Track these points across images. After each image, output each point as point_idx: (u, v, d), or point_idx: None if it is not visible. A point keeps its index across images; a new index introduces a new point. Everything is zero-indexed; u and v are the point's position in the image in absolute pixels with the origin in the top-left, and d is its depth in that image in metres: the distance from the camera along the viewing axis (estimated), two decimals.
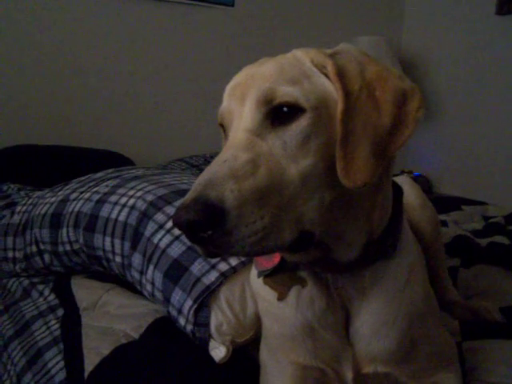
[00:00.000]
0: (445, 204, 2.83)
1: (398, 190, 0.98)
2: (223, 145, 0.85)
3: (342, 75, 0.80)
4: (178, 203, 1.35)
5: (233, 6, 3.35)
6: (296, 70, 0.81)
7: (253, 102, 0.79)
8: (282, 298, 0.94)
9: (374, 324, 0.93)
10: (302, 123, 0.77)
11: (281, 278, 0.93)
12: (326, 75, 0.81)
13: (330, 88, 0.80)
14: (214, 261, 1.20)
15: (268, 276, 0.93)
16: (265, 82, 0.79)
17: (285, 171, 0.74)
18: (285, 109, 0.78)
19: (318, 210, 0.78)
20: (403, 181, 1.39)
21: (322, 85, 0.81)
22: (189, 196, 0.68)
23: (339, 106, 0.78)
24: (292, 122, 0.77)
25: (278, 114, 0.78)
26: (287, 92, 0.77)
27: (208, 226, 0.66)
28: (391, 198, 0.94)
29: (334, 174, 0.78)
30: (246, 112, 0.79)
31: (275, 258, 0.92)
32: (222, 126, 0.88)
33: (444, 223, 2.32)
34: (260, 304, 1.06)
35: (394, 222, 0.94)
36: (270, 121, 0.78)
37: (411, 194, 1.39)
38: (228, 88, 0.87)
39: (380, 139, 0.78)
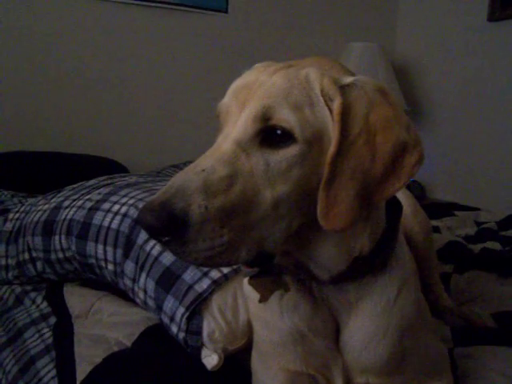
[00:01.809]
0: (438, 210, 2.84)
1: (397, 206, 0.97)
2: (217, 136, 0.83)
3: (345, 115, 0.77)
4: None
5: (226, 12, 3.35)
6: (303, 94, 0.78)
7: (250, 114, 0.77)
8: (263, 300, 0.93)
9: (363, 337, 0.92)
10: (290, 152, 0.75)
11: (265, 280, 0.91)
12: (330, 108, 0.78)
13: (329, 123, 0.78)
14: (206, 268, 1.20)
15: (253, 277, 0.92)
16: (269, 97, 0.76)
17: (259, 193, 0.74)
18: (278, 131, 0.76)
19: (282, 235, 0.77)
20: None
21: (323, 117, 0.78)
22: (157, 198, 0.68)
23: (331, 149, 0.76)
24: (281, 148, 0.75)
25: (270, 134, 0.76)
26: (286, 118, 0.75)
27: (167, 233, 0.67)
28: (384, 218, 0.93)
29: (308, 204, 0.77)
30: (240, 121, 0.77)
31: None
32: (218, 117, 0.86)
33: (437, 229, 2.33)
34: (251, 308, 1.06)
35: (387, 238, 0.92)
36: (260, 139, 0.76)
37: (403, 201, 1.38)
38: (234, 86, 0.84)
39: (368, 186, 0.76)
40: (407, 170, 0.78)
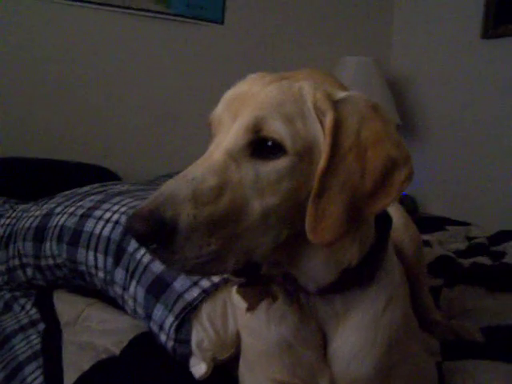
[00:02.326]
0: (429, 224, 2.84)
1: (386, 219, 0.97)
2: (209, 144, 0.83)
3: (336, 130, 0.77)
4: None
5: (222, 23, 3.37)
6: (295, 107, 0.78)
7: (243, 124, 0.77)
8: (251, 309, 0.93)
9: (349, 348, 0.92)
10: (280, 164, 0.75)
11: (253, 289, 0.91)
12: (322, 123, 0.78)
13: (320, 137, 0.78)
14: (196, 277, 1.20)
15: (241, 286, 0.92)
16: (261, 109, 0.77)
17: (248, 204, 0.74)
18: (269, 143, 0.76)
19: (270, 246, 0.78)
20: None
21: (314, 131, 0.78)
22: (147, 205, 0.68)
23: (321, 163, 0.76)
24: (271, 160, 0.76)
25: (261, 145, 0.76)
26: (277, 129, 0.75)
27: (155, 241, 0.68)
28: (373, 231, 0.93)
29: (297, 215, 0.78)
30: (232, 131, 0.78)
31: None
32: (210, 126, 0.87)
33: (428, 243, 2.33)
34: (239, 318, 1.06)
35: (376, 251, 0.92)
36: (251, 150, 0.76)
37: (394, 214, 1.38)
38: (227, 96, 0.84)
39: (357, 201, 0.77)
40: (397, 187, 0.78)
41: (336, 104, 0.79)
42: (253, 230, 0.74)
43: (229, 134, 0.78)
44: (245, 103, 0.79)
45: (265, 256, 0.78)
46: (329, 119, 0.77)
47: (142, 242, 0.69)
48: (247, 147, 0.76)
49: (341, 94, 0.81)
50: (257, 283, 0.91)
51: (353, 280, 0.90)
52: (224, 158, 0.75)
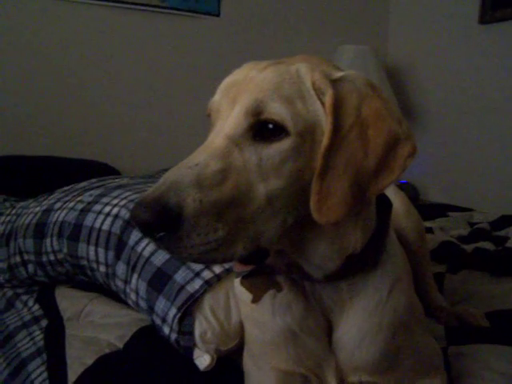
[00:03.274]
0: (431, 211, 2.84)
1: (386, 203, 0.97)
2: (208, 134, 0.82)
3: (337, 107, 0.76)
4: None
5: (219, 16, 3.36)
6: (294, 88, 0.78)
7: (242, 109, 0.76)
8: (256, 300, 0.92)
9: (355, 335, 0.92)
10: (283, 146, 0.75)
11: (257, 280, 0.91)
12: (322, 102, 0.78)
13: (322, 116, 0.78)
14: (197, 268, 1.20)
15: (245, 277, 0.92)
16: (259, 92, 0.76)
17: (252, 188, 0.73)
18: (270, 125, 0.75)
19: (277, 231, 0.77)
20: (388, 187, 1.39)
21: (315, 111, 0.78)
22: (150, 193, 0.67)
23: (324, 141, 0.76)
24: (273, 142, 0.75)
25: (262, 128, 0.76)
26: (277, 111, 0.75)
27: (161, 228, 0.66)
28: (374, 215, 0.92)
29: (302, 199, 0.77)
30: (232, 116, 0.77)
31: None
32: (209, 116, 0.86)
33: (430, 230, 2.33)
34: (242, 308, 1.05)
35: (378, 236, 0.92)
36: (253, 133, 0.76)
37: (396, 201, 1.37)
38: (224, 83, 0.84)
39: (361, 179, 0.76)
40: (400, 163, 0.78)
41: (334, 83, 0.79)
42: (259, 215, 0.73)
43: (229, 119, 0.77)
44: (243, 89, 0.79)
45: (272, 241, 0.77)
46: (329, 97, 0.77)
47: (148, 230, 0.67)
48: (248, 131, 0.76)
49: (338, 74, 0.81)
50: (261, 274, 0.91)
51: (357, 265, 0.90)
52: (226, 143, 0.75)
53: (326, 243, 0.85)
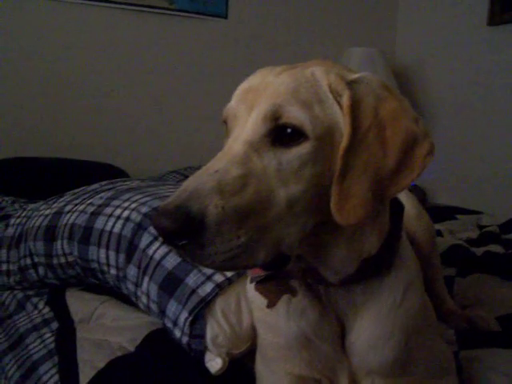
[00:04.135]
0: (439, 214, 2.83)
1: (398, 206, 0.97)
2: (224, 141, 0.84)
3: (355, 109, 0.77)
4: None
5: (226, 18, 3.36)
6: (311, 92, 0.78)
7: (260, 114, 0.77)
8: (271, 305, 0.93)
9: (369, 338, 0.92)
10: (302, 150, 0.75)
11: (272, 285, 0.91)
12: (340, 105, 0.78)
13: (340, 118, 0.78)
14: (209, 272, 1.20)
15: (259, 283, 0.92)
16: (277, 97, 0.77)
17: (273, 193, 0.73)
18: (288, 130, 0.76)
19: (298, 236, 0.77)
20: None
21: (333, 113, 0.78)
22: (172, 201, 0.67)
23: (343, 142, 0.76)
24: (292, 147, 0.75)
25: (280, 133, 0.76)
26: (296, 114, 0.75)
27: (184, 236, 0.66)
28: (388, 219, 0.92)
29: (322, 203, 0.77)
30: (250, 122, 0.77)
31: None
32: (225, 122, 0.87)
33: (439, 233, 2.33)
34: (255, 313, 1.05)
35: (391, 239, 0.92)
36: (272, 138, 0.76)
37: (407, 204, 1.36)
38: (240, 89, 0.85)
39: (381, 180, 0.77)
40: (419, 161, 0.78)
41: (350, 85, 0.79)
42: (280, 220, 0.73)
43: (247, 125, 0.78)
44: (259, 94, 0.79)
45: (294, 247, 0.77)
46: (346, 99, 0.77)
47: (170, 238, 0.67)
48: (267, 136, 0.76)
49: (353, 76, 0.82)
50: (276, 279, 0.91)
51: (372, 269, 0.90)
52: (244, 149, 0.75)
53: (344, 247, 0.85)
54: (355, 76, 0.82)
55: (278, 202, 0.73)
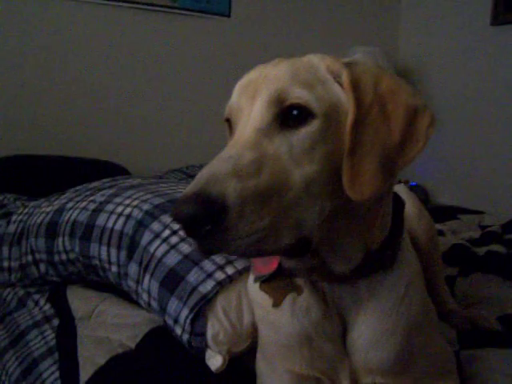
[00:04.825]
0: (441, 213, 2.83)
1: (399, 202, 0.98)
2: (228, 141, 0.84)
3: (355, 86, 0.79)
4: None
5: (229, 16, 3.36)
6: (310, 74, 0.80)
7: (264, 100, 0.78)
8: (277, 304, 0.92)
9: (371, 335, 0.92)
10: (311, 129, 0.76)
11: (277, 284, 0.91)
12: (340, 84, 0.81)
13: (343, 97, 0.80)
14: (210, 269, 1.20)
15: (264, 282, 0.92)
16: (278, 82, 0.78)
17: (288, 175, 0.73)
18: (295, 112, 0.77)
19: (317, 218, 0.77)
20: (399, 190, 1.38)
21: (335, 93, 0.80)
22: (190, 189, 0.66)
23: (350, 117, 0.78)
24: (301, 127, 0.76)
25: (287, 116, 0.77)
26: (299, 94, 0.77)
27: (207, 221, 0.65)
28: (391, 210, 0.93)
29: (337, 184, 0.77)
30: (255, 110, 0.78)
31: (272, 264, 0.91)
32: (227, 121, 0.87)
33: (441, 232, 2.32)
34: (256, 311, 1.05)
35: (394, 234, 0.93)
36: (279, 122, 0.77)
37: (408, 203, 1.37)
38: (239, 84, 0.85)
39: (389, 153, 0.78)
40: (423, 132, 0.80)
41: (347, 65, 0.82)
42: (299, 202, 0.73)
43: (252, 113, 0.78)
44: (260, 84, 0.80)
45: (314, 230, 0.77)
46: (345, 77, 0.80)
47: (193, 225, 0.66)
48: (274, 121, 0.77)
49: (348, 59, 0.86)
50: (281, 277, 0.91)
51: (377, 263, 0.90)
52: (254, 135, 0.76)
53: (355, 235, 0.87)
54: (349, 59, 0.86)
55: (295, 183, 0.73)
